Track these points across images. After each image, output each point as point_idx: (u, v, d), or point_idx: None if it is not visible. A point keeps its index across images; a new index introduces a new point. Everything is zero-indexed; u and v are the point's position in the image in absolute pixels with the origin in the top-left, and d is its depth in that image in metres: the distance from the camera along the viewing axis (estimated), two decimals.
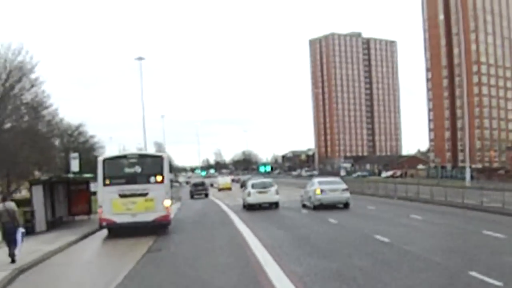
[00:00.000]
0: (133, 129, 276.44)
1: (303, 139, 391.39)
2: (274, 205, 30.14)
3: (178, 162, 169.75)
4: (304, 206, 29.86)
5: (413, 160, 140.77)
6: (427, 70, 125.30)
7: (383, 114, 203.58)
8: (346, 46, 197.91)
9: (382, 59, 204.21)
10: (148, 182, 19.60)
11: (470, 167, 61.08)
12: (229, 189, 69.70)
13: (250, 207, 30.20)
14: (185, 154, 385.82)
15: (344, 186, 28.55)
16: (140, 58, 56.18)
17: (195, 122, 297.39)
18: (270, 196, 30.20)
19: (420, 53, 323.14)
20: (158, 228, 19.88)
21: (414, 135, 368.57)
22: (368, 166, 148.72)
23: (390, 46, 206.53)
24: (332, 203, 27.37)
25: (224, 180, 79.72)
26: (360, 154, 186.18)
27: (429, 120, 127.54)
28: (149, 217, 19.26)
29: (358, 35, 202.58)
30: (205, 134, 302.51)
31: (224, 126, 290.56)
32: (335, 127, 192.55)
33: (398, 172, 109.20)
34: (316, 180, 30.79)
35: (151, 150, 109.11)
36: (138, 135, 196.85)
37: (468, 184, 49.64)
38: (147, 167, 20.08)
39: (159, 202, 19.48)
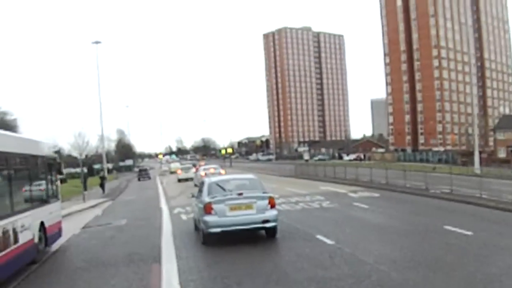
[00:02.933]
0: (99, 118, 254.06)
1: (258, 127, 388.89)
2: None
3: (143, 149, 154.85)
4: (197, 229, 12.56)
5: (367, 144, 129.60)
6: (385, 55, 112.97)
7: (333, 102, 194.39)
8: (298, 39, 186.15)
9: (331, 51, 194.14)
10: None
11: (480, 153, 46.94)
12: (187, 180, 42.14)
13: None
14: (148, 142, 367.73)
15: (260, 193, 11.36)
16: (97, 42, 58.31)
17: (158, 112, 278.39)
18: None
19: (366, 45, 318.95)
20: None
21: (360, 121, 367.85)
22: (323, 150, 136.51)
23: (338, 39, 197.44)
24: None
25: (175, 165, 67.55)
26: (312, 139, 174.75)
27: (388, 104, 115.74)
28: None
29: (309, 29, 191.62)
30: (167, 123, 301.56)
31: (184, 115, 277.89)
32: (288, 114, 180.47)
33: (362, 155, 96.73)
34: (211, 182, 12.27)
35: (113, 137, 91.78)
36: (106, 124, 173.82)
37: (477, 171, 36.74)
38: None
39: None
